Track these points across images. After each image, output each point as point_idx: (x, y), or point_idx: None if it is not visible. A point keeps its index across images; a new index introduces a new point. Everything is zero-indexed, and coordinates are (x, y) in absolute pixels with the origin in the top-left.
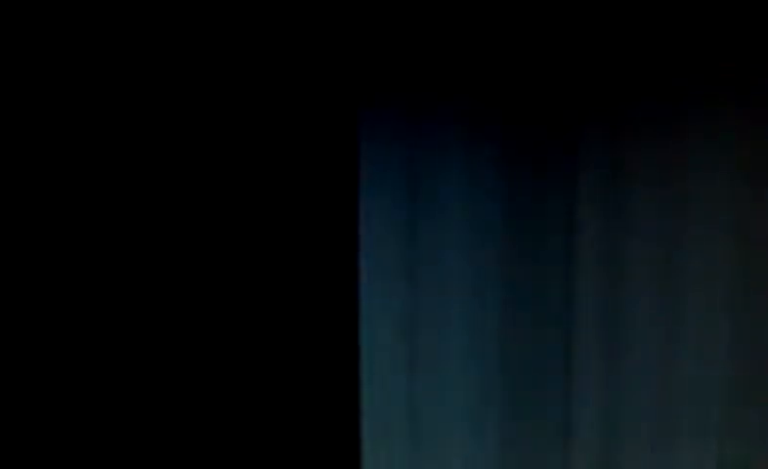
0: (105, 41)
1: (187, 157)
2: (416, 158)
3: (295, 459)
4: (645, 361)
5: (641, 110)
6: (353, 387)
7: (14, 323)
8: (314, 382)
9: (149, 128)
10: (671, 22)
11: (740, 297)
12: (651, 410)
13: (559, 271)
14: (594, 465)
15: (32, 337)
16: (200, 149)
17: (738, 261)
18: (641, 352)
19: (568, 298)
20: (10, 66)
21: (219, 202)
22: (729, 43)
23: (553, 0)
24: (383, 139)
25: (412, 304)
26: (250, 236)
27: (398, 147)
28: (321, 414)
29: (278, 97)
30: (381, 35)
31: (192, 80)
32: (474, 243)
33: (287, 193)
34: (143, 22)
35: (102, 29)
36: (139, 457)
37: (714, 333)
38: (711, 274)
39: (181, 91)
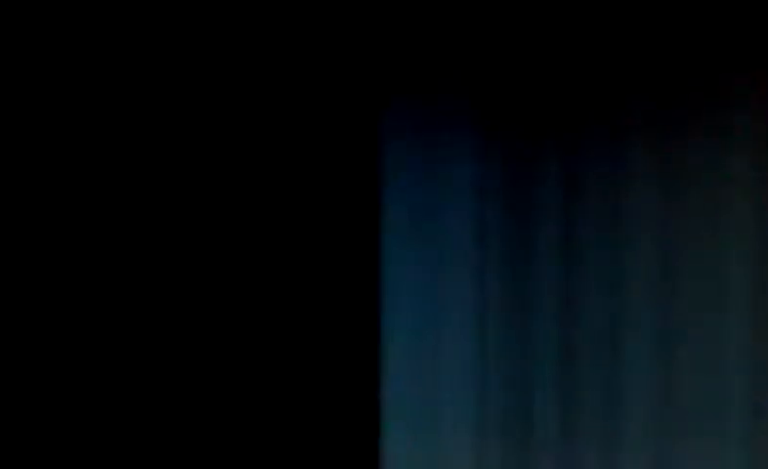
0: (114, 41)
1: (205, 157)
2: (436, 159)
3: (317, 453)
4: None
5: (641, 114)
6: (373, 383)
7: (14, 323)
8: (335, 379)
9: (169, 131)
10: (671, 25)
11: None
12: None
13: (562, 271)
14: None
15: (32, 337)
16: (222, 151)
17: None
18: (645, 353)
19: (570, 299)
20: (10, 67)
21: (240, 200)
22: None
23: (561, 6)
24: (405, 140)
25: (433, 301)
26: (272, 234)
27: (419, 148)
28: (343, 411)
29: (300, 99)
30: (401, 40)
31: (211, 81)
32: (493, 243)
33: (310, 194)
34: (162, 24)
35: (111, 29)
36: (157, 455)
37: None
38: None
39: (198, 92)
